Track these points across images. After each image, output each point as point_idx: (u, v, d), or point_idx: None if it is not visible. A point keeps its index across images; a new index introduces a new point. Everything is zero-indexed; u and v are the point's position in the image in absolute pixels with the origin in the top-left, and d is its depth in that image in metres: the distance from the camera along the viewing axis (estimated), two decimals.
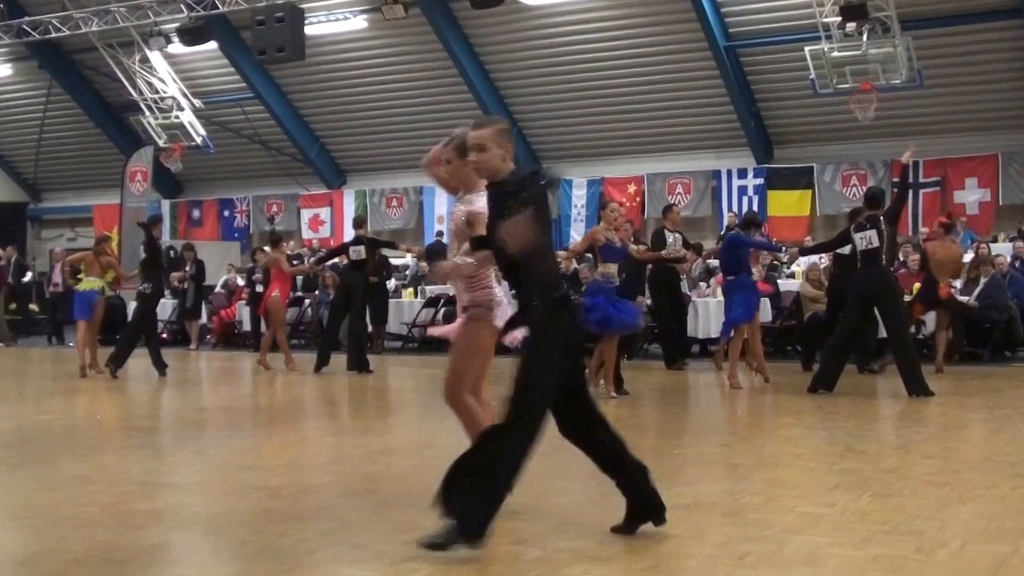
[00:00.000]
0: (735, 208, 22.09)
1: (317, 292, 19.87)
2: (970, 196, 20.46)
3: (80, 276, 14.64)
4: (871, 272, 10.79)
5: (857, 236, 10.83)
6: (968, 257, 15.08)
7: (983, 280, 13.97)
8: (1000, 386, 11.79)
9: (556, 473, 6.89)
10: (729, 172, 22.71)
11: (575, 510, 5.68)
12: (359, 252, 14.64)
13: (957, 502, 5.70)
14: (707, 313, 15.59)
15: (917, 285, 14.59)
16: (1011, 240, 17.81)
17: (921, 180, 20.87)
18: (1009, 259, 15.54)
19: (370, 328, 18.13)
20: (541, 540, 5.00)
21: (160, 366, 14.18)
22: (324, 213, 26.87)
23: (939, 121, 20.51)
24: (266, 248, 16.79)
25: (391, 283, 19.52)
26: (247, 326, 19.55)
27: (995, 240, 18.63)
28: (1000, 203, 20.35)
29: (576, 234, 23.83)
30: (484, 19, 22.03)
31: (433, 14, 21.93)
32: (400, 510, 5.73)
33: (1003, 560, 4.55)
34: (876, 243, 10.65)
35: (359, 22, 22.94)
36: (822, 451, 7.61)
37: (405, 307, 18.70)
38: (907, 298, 14.18)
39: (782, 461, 7.36)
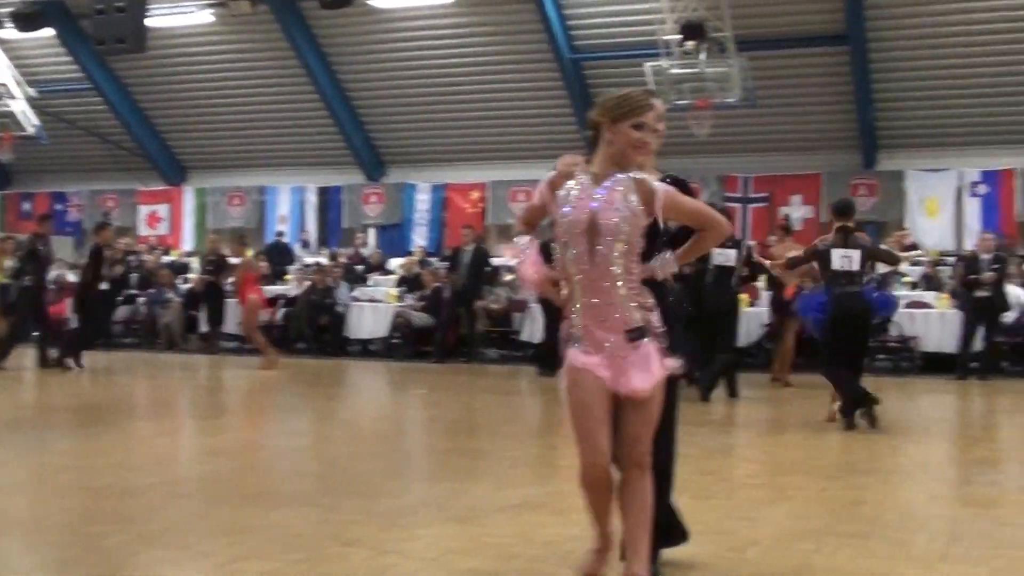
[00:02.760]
0: None
1: (152, 291, 19.42)
2: (795, 212, 21.31)
3: None
4: (724, 287, 11.40)
5: (716, 252, 11.30)
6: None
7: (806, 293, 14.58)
8: (816, 393, 12.28)
9: (388, 474, 6.95)
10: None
11: (407, 511, 5.74)
12: None
13: (768, 503, 5.99)
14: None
15: (744, 296, 15.14)
16: None
17: (750, 195, 21.70)
18: None
19: (206, 329, 17.85)
20: (372, 540, 5.04)
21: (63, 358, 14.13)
22: (162, 210, 26.16)
23: (769, 139, 21.32)
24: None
25: (228, 283, 19.15)
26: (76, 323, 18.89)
27: None
28: (822, 220, 21.26)
29: (420, 239, 23.91)
30: (333, 20, 21.87)
31: (281, 12, 21.66)
32: (227, 510, 5.69)
33: (808, 556, 4.83)
34: (733, 262, 11.21)
35: (204, 16, 22.45)
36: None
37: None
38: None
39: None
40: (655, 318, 3.92)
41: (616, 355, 3.88)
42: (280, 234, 23.56)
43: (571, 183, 3.98)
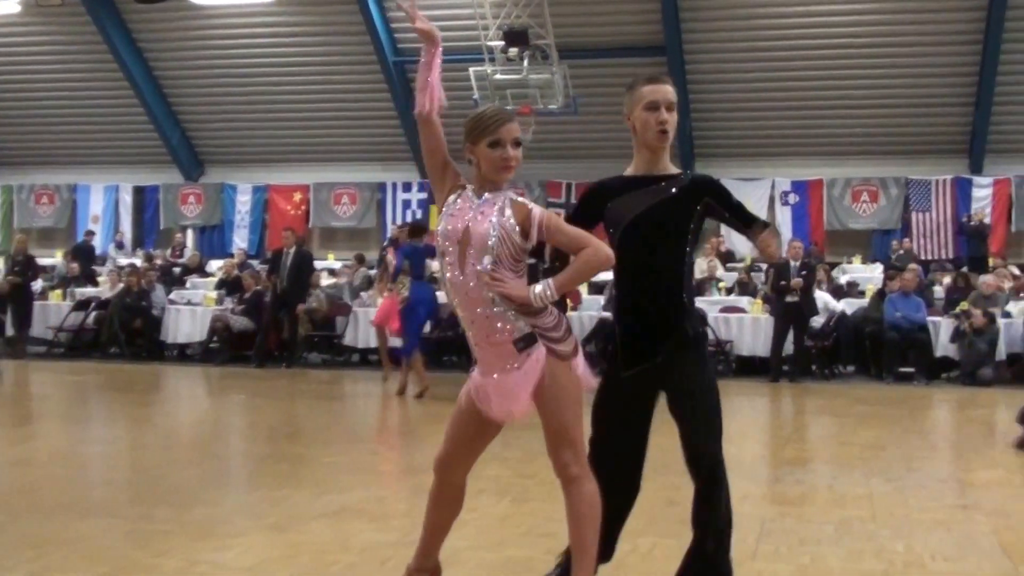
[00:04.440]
0: (399, 221, 22.44)
1: None
2: None
3: None
4: None
5: None
6: None
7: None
8: None
9: (203, 482, 6.77)
10: (394, 185, 23.08)
11: (221, 519, 5.59)
12: None
13: None
14: (367, 322, 15.70)
15: (567, 301, 15.38)
16: None
17: (573, 201, 22.07)
18: None
19: (11, 332, 17.07)
20: (184, 550, 4.89)
21: None
22: None
23: (591, 146, 21.72)
24: None
25: (37, 284, 18.34)
26: None
27: None
28: None
29: (240, 240, 23.43)
30: (148, 15, 21.22)
31: (92, 5, 20.89)
32: (31, 522, 5.43)
33: (623, 557, 4.90)
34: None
35: (11, 5, 21.41)
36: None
37: (52, 310, 17.64)
38: None
39: (430, 468, 7.56)
40: (551, 323, 3.75)
41: (504, 373, 3.77)
42: (90, 234, 22.72)
43: (452, 196, 3.86)
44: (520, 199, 3.80)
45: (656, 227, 3.95)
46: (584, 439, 3.89)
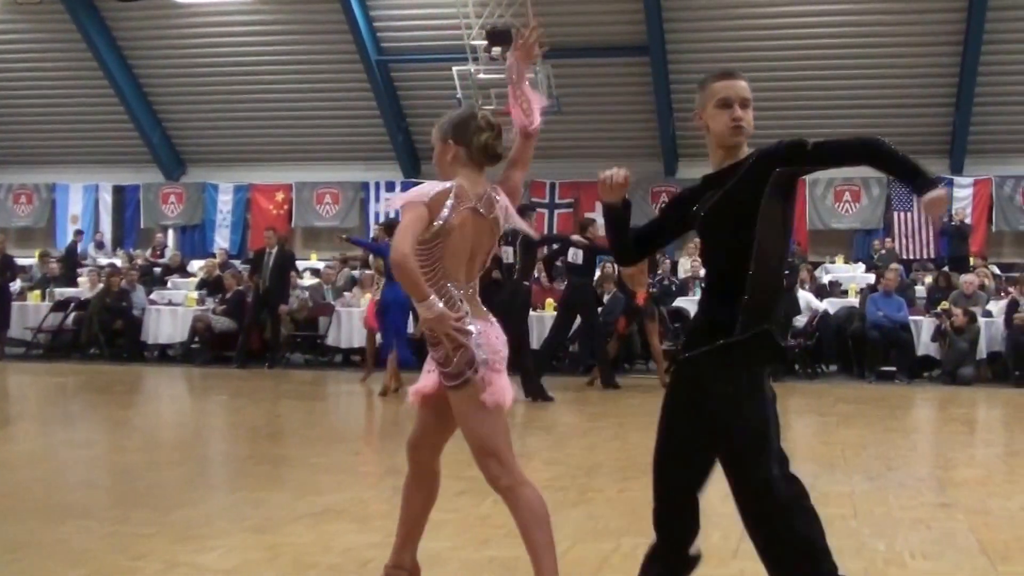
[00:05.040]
0: (382, 220, 22.39)
1: None
2: (600, 218, 21.80)
3: None
4: (578, 284, 11.94)
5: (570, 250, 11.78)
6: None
7: (606, 297, 14.84)
8: (615, 396, 12.59)
9: (183, 484, 6.74)
10: (377, 184, 23.03)
11: (202, 521, 5.56)
12: None
13: (570, 505, 6.07)
14: (350, 322, 15.66)
15: (549, 301, 15.37)
16: None
17: (556, 201, 22.10)
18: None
19: None
20: (164, 553, 4.85)
21: None
22: None
23: (574, 146, 21.73)
24: None
25: (15, 285, 18.21)
26: None
27: None
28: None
29: (222, 240, 23.35)
30: (129, 12, 21.13)
31: (71, 3, 20.78)
32: (8, 526, 5.39)
33: (606, 556, 4.91)
34: (581, 260, 11.50)
35: None
36: (451, 459, 7.71)
37: (30, 311, 17.51)
38: (546, 312, 14.94)
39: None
40: (439, 356, 3.84)
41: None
42: (79, 234, 22.62)
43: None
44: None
45: (723, 219, 3.64)
46: (509, 449, 3.87)
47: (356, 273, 17.59)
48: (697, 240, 17.84)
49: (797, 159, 3.55)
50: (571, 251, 11.97)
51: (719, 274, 3.67)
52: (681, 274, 18.27)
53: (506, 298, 11.07)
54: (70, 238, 22.63)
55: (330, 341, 15.99)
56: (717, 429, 3.58)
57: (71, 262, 20.46)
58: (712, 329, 3.58)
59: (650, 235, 3.98)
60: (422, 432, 4.10)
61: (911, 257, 20.63)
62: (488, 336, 3.85)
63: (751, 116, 3.72)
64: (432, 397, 3.96)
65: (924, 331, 14.70)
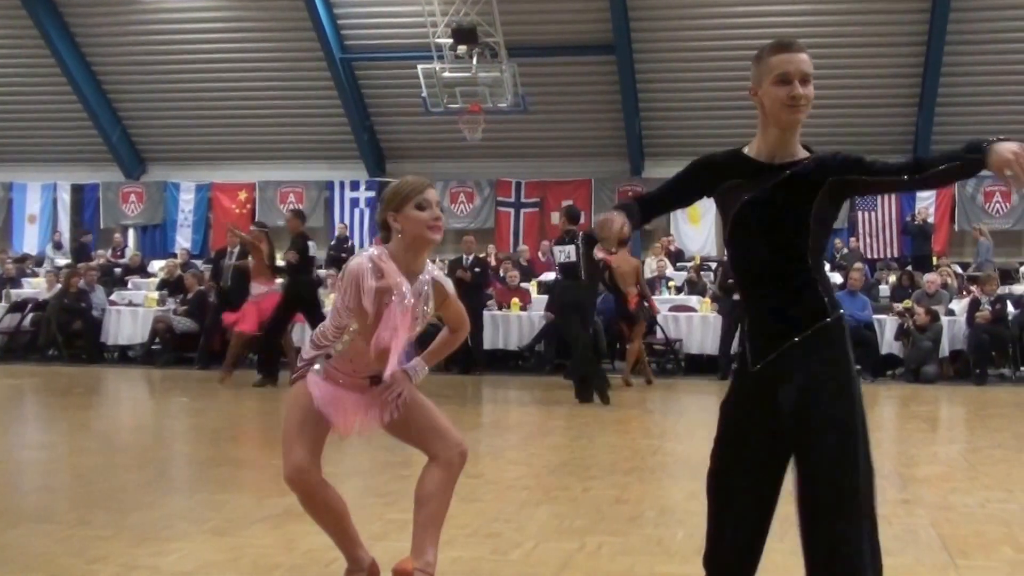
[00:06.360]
0: (347, 219, 22.30)
1: None
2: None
3: None
4: (569, 284, 11.70)
5: (556, 249, 11.71)
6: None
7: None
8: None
9: (142, 487, 6.64)
10: (342, 183, 22.91)
11: (161, 524, 5.46)
12: None
13: (534, 504, 6.02)
14: None
15: (515, 300, 15.35)
16: None
17: (522, 200, 22.05)
18: None
19: None
20: (121, 556, 4.76)
21: None
22: None
23: (540, 145, 21.72)
24: None
25: None
26: None
27: None
28: (592, 226, 21.83)
29: (183, 240, 23.13)
30: (87, 8, 20.92)
31: None
32: None
33: (570, 556, 4.86)
34: (574, 257, 11.40)
35: None
36: (417, 460, 7.75)
37: None
38: (504, 312, 14.90)
39: (376, 470, 7.47)
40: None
41: None
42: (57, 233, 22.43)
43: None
44: (442, 279, 4.03)
45: (775, 213, 3.41)
46: (292, 448, 4.11)
47: (322, 272, 17.46)
48: (664, 240, 17.87)
49: (851, 170, 3.40)
50: (565, 250, 11.76)
51: (773, 272, 3.50)
52: (648, 273, 18.27)
53: (577, 298, 11.52)
54: (26, 238, 22.38)
55: (297, 342, 15.83)
56: (811, 417, 3.39)
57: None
58: (785, 325, 3.50)
59: (663, 200, 3.70)
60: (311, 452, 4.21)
61: (875, 256, 20.78)
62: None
63: (812, 91, 3.45)
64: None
65: (888, 330, 14.79)
